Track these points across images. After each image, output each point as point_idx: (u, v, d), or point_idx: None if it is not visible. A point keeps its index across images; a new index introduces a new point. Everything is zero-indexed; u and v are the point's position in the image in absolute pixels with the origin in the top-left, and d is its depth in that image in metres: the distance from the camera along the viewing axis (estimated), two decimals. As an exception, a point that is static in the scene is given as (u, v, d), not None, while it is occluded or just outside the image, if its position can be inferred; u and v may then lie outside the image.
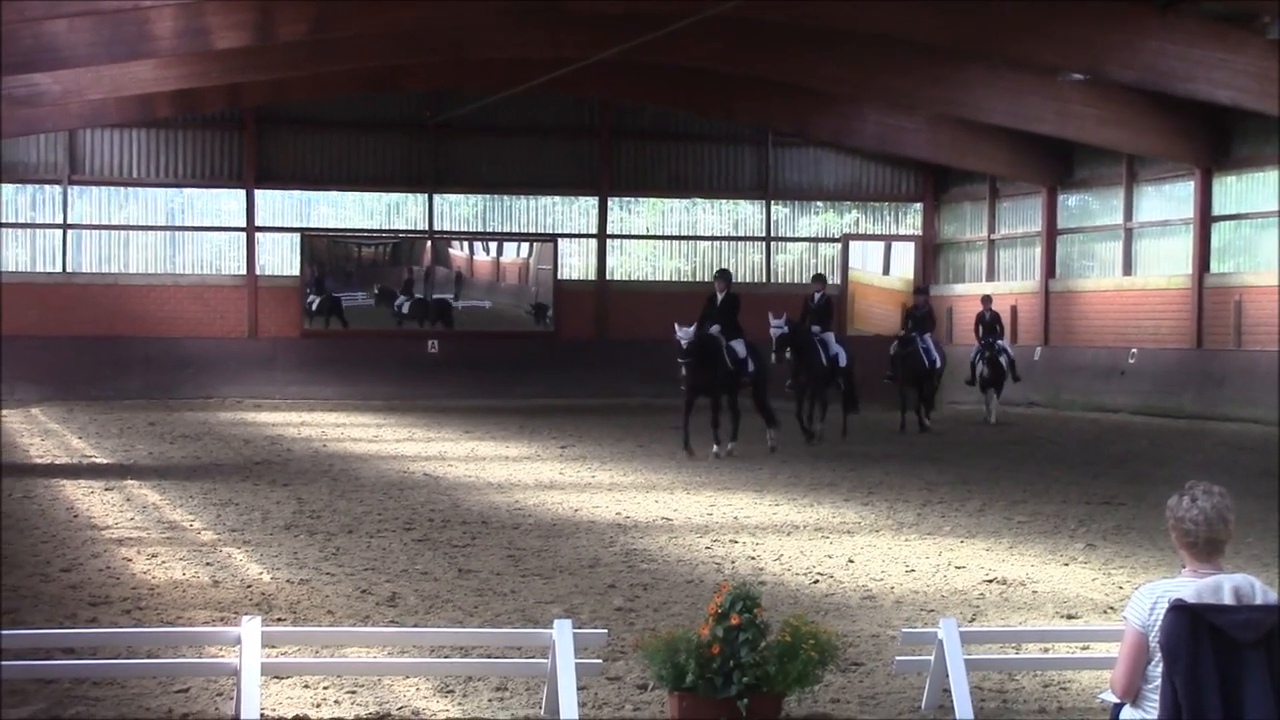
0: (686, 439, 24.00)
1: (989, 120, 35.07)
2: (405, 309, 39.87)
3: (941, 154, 39.16)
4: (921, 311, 31.49)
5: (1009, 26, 27.76)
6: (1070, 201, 38.40)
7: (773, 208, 41.88)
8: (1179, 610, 6.14)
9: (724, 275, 25.20)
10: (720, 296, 24.68)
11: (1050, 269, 38.17)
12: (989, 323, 32.62)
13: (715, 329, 24.28)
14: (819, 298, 27.99)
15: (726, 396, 24.35)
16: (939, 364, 30.75)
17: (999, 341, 32.52)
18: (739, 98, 37.28)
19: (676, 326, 23.97)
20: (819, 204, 42.36)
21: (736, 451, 24.10)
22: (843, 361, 27.29)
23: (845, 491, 19.76)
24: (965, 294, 40.95)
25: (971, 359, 32.71)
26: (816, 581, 13.24)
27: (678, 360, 23.83)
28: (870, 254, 42.49)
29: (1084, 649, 9.87)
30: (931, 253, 42.35)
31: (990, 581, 13.21)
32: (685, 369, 23.80)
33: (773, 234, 41.91)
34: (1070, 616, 11.79)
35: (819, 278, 29.31)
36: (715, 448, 23.80)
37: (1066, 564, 14.21)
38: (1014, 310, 38.85)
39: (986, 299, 33.30)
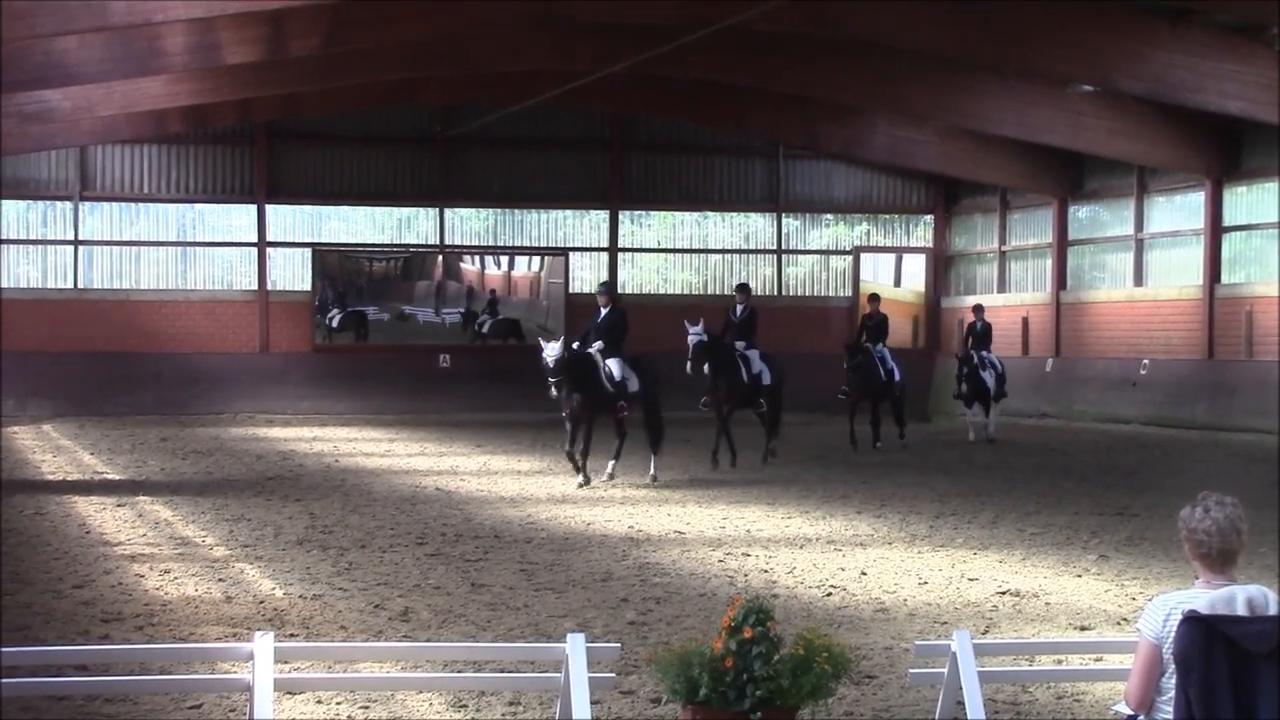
0: (577, 466, 21.80)
1: (999, 132, 35.05)
2: (334, 323, 39.66)
3: (952, 166, 39.14)
4: (875, 320, 29.54)
5: (1019, 38, 27.76)
6: (1081, 213, 38.37)
7: (784, 220, 41.87)
8: (1192, 621, 6.13)
9: (607, 288, 23.31)
10: (604, 311, 22.77)
11: (1061, 280, 38.13)
12: (980, 334, 31.29)
13: (597, 346, 22.33)
14: (742, 309, 25.50)
15: (609, 418, 22.48)
16: (897, 375, 28.95)
17: (987, 355, 31.01)
18: (750, 110, 37.30)
19: (541, 343, 22.18)
20: (829, 216, 42.34)
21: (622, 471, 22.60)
22: (766, 380, 25.00)
23: (858, 504, 19.74)
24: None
25: (956, 372, 31.29)
26: (829, 594, 13.23)
27: (549, 380, 21.64)
28: (881, 266, 42.46)
29: (1097, 661, 9.85)
30: (943, 264, 42.33)
31: (1003, 593, 13.20)
32: (555, 389, 21.72)
33: (784, 247, 41.90)
34: (1084, 628, 11.77)
35: (742, 287, 26.73)
36: (581, 478, 21.75)
37: (1079, 575, 14.20)
38: (1025, 321, 38.85)
39: (978, 309, 32.20)
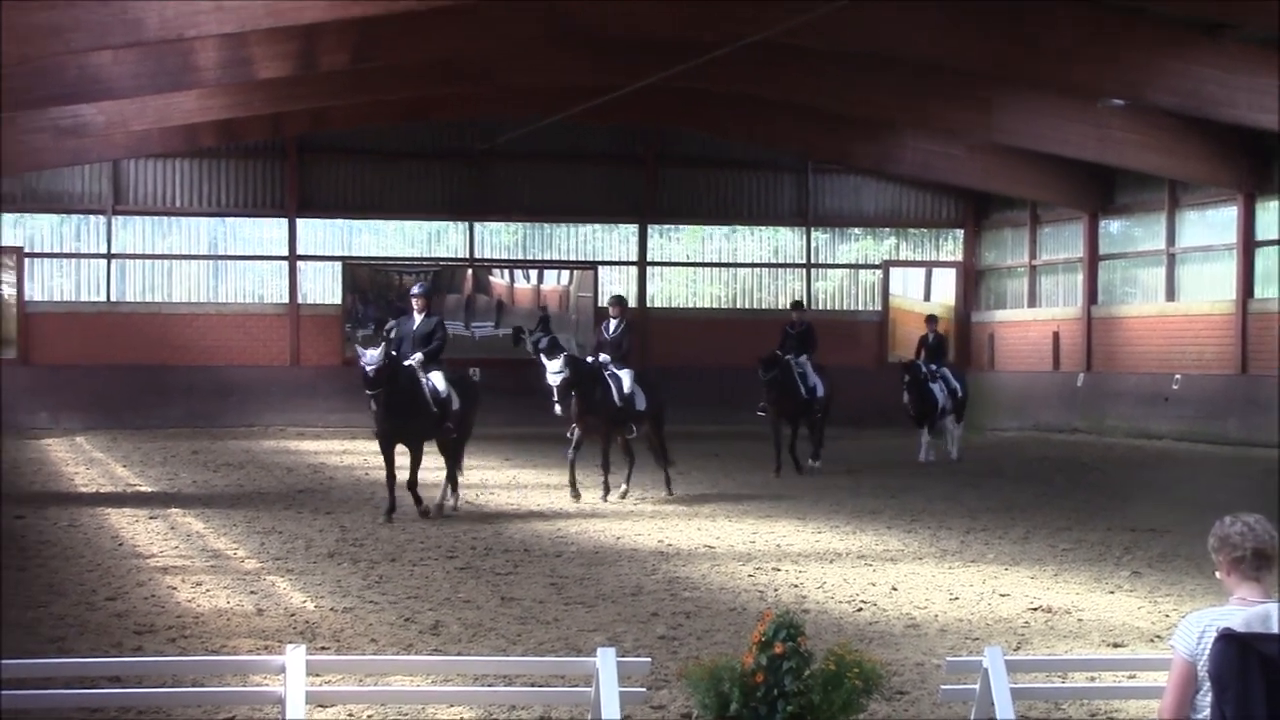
0: (390, 499, 19.35)
1: (1030, 146, 34.99)
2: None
3: (982, 180, 39.07)
4: (799, 330, 26.94)
5: (1049, 53, 27.70)
6: (1112, 227, 38.25)
7: (813, 234, 41.82)
8: (1227, 639, 6.11)
9: (422, 292, 20.25)
10: (419, 318, 19.99)
11: (1092, 295, 38.02)
12: (933, 347, 29.33)
13: (416, 359, 19.60)
14: (616, 324, 22.60)
15: (429, 445, 20.04)
16: (820, 391, 26.35)
17: (939, 368, 28.96)
18: (779, 124, 37.29)
19: (359, 349, 19.66)
20: (858, 231, 42.29)
21: (459, 506, 20.35)
22: (640, 404, 22.24)
23: (888, 519, 19.70)
24: (1007, 320, 40.85)
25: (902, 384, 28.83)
26: (860, 609, 13.20)
27: (366, 393, 19.10)
28: (911, 280, 42.39)
29: (1131, 678, 9.80)
30: (973, 279, 42.25)
31: (1035, 609, 13.16)
32: (374, 403, 19.06)
33: (813, 261, 41.85)
34: (1117, 645, 11.73)
35: (616, 299, 23.30)
36: (405, 508, 19.33)
37: (1112, 592, 14.15)
38: (1056, 336, 38.74)
39: (931, 319, 30.80)
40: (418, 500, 19.52)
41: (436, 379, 19.77)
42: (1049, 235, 40.18)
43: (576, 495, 21.51)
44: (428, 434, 19.80)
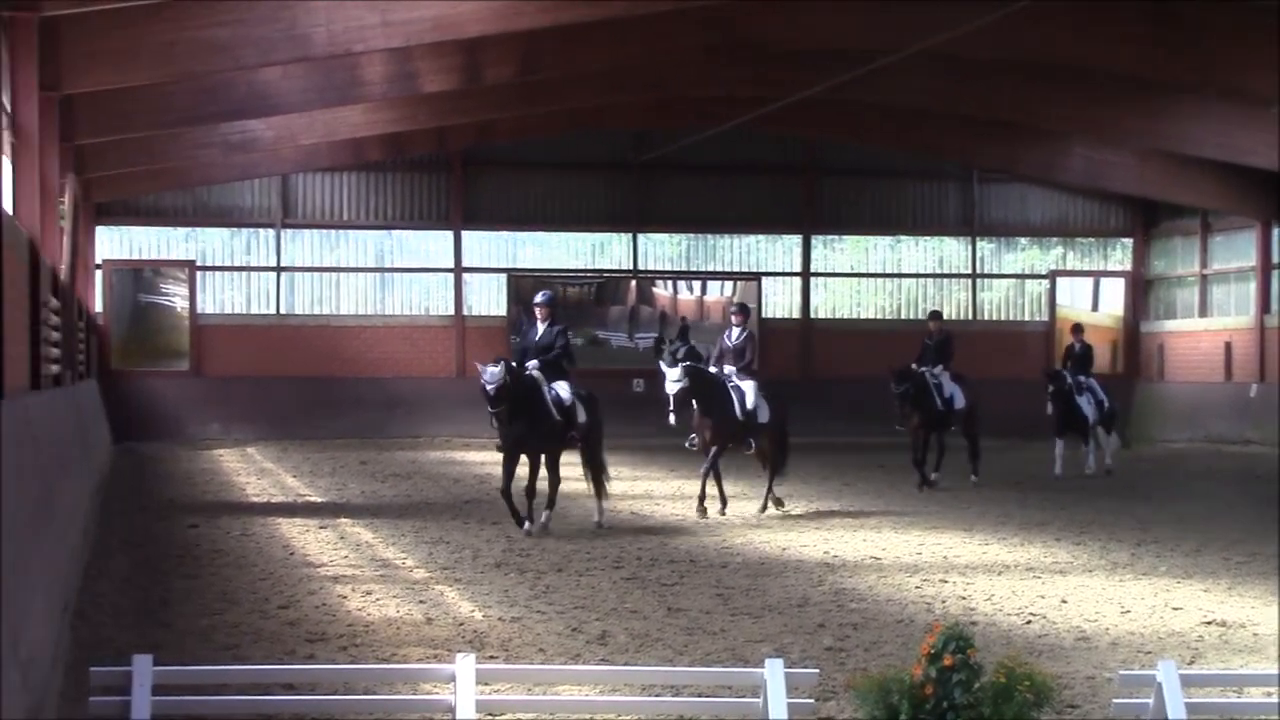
0: (514, 512, 18.90)
1: (1199, 153, 34.42)
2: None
3: (1151, 188, 38.51)
4: (937, 340, 26.17)
5: (1218, 59, 27.23)
6: (1286, 235, 37.52)
7: (978, 244, 41.47)
8: None
9: (545, 301, 20.02)
10: (540, 327, 19.79)
11: (1266, 304, 37.30)
12: (1079, 356, 28.54)
13: (533, 366, 19.40)
14: (740, 333, 22.13)
15: (547, 456, 19.45)
16: (957, 403, 25.50)
17: (1086, 379, 28.10)
18: (943, 134, 37.01)
19: (479, 366, 19.13)
20: (1024, 240, 41.87)
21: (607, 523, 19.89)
22: (763, 417, 21.54)
23: (1056, 530, 19.49)
24: (1177, 330, 40.20)
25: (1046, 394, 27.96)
26: (1029, 622, 13.07)
27: (488, 410, 18.91)
28: (1078, 290, 41.89)
29: (1310, 694, 9.61)
30: (1141, 288, 41.65)
31: (1209, 623, 12.94)
32: (496, 420, 18.86)
33: (978, 271, 41.49)
34: (1294, 660, 11.50)
35: (740, 307, 23.12)
36: (527, 524, 18.76)
37: (1288, 606, 13.87)
38: (1228, 346, 38.04)
39: (1077, 328, 29.81)
40: (529, 513, 18.89)
41: (561, 388, 19.45)
42: (1220, 244, 39.49)
43: (703, 511, 20.96)
44: (551, 442, 19.42)
